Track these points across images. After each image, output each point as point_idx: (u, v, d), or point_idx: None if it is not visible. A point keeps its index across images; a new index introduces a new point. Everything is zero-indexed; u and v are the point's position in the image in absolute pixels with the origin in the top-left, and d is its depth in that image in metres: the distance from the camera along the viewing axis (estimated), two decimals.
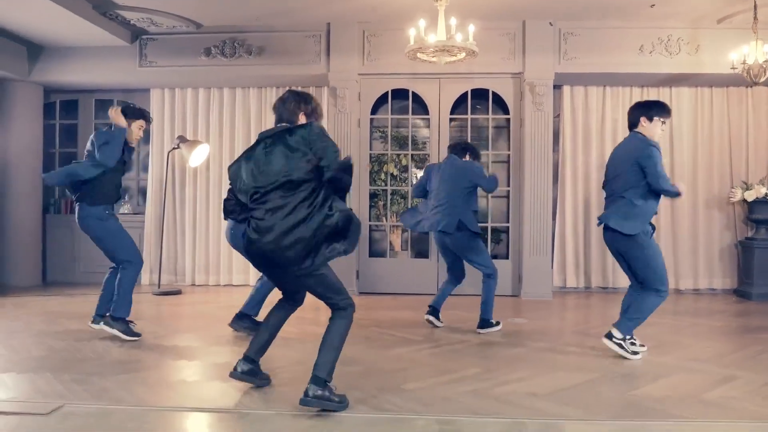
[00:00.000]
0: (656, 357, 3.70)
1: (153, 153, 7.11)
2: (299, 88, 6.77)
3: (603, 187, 3.97)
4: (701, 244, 6.75)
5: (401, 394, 2.86)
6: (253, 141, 3.48)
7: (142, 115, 4.24)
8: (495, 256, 6.64)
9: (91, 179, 3.99)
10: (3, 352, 3.66)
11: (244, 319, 4.33)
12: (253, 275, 6.53)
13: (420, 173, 6.62)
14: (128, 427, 2.42)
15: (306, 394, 2.58)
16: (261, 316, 4.89)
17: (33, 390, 2.88)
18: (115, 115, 4.08)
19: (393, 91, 6.50)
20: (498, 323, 4.58)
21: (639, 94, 6.79)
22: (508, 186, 6.57)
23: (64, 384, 2.95)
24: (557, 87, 6.56)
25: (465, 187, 4.49)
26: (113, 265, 4.25)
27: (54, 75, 6.74)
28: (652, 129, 3.73)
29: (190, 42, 6.49)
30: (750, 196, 6.35)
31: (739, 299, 6.33)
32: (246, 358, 2.91)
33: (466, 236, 4.48)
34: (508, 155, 6.62)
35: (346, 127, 6.35)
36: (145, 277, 7.03)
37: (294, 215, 2.62)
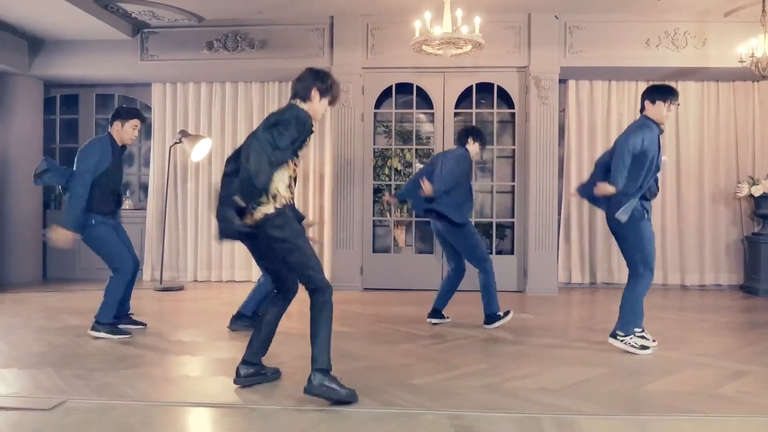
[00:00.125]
0: (666, 352, 3.65)
1: (154, 148, 7.05)
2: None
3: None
4: (707, 239, 6.69)
5: (409, 389, 2.81)
6: None
7: (136, 114, 4.16)
8: (500, 252, 6.60)
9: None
10: (4, 347, 3.61)
11: (242, 319, 4.27)
12: (255, 272, 6.48)
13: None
14: (131, 423, 2.37)
15: (310, 381, 2.59)
16: None
17: (34, 386, 2.83)
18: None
19: (397, 85, 6.43)
20: (507, 313, 4.47)
21: (644, 89, 6.70)
22: (513, 181, 6.51)
23: (66, 379, 2.90)
24: (562, 81, 6.49)
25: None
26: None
27: (54, 69, 6.68)
28: (657, 112, 3.70)
29: (191, 35, 6.43)
30: (757, 191, 6.30)
31: (745, 295, 6.28)
32: (245, 363, 2.87)
33: (450, 224, 4.41)
34: (513, 150, 6.56)
35: (350, 121, 6.29)
36: (147, 273, 6.98)
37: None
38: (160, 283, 6.47)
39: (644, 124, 3.69)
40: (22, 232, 6.72)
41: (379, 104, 6.55)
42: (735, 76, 6.53)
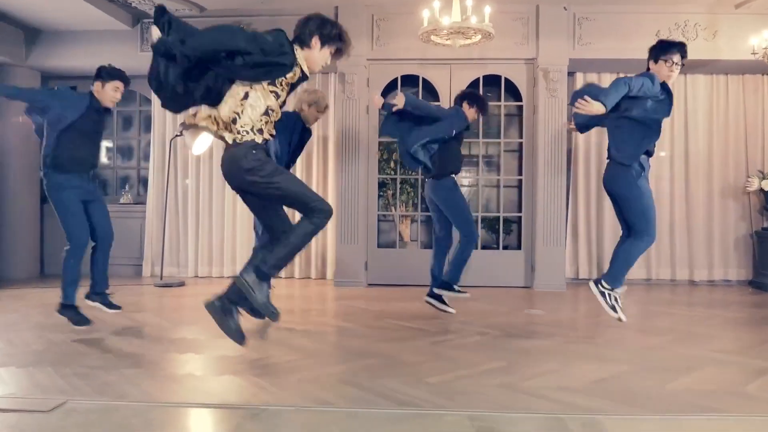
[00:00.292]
0: (683, 348, 3.54)
1: (154, 141, 6.92)
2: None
3: None
4: (716, 234, 6.60)
5: (424, 388, 2.69)
6: None
7: (119, 75, 3.99)
8: (506, 247, 6.49)
9: (54, 142, 3.81)
10: (1, 345, 3.49)
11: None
12: None
13: None
14: (133, 424, 2.25)
15: (240, 273, 2.67)
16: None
17: (33, 385, 2.70)
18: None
19: (403, 77, 6.31)
20: (463, 293, 4.44)
21: None
22: (520, 175, 6.40)
23: (65, 379, 2.78)
24: (570, 74, 6.38)
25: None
26: (93, 243, 4.08)
27: (52, 60, 6.54)
28: (659, 70, 3.62)
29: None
30: (767, 185, 6.21)
31: (754, 290, 6.19)
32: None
33: (438, 184, 4.39)
34: (520, 143, 6.44)
35: (355, 113, 6.16)
36: (147, 268, 6.87)
37: None
38: (161, 278, 6.36)
39: (647, 74, 3.57)
40: (20, 227, 6.59)
41: (384, 96, 6.40)
42: (745, 69, 6.44)
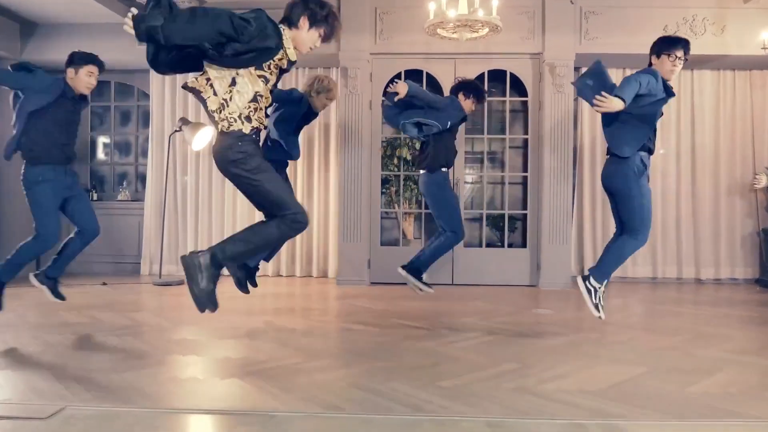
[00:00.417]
0: (699, 349, 3.45)
1: (153, 136, 6.79)
2: (307, 69, 6.57)
3: None
4: (723, 232, 6.53)
5: (438, 391, 2.59)
6: None
7: (92, 59, 3.84)
8: (510, 245, 6.40)
9: (23, 127, 3.70)
10: None
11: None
12: None
13: None
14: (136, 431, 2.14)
15: (194, 251, 2.65)
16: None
17: (30, 390, 2.59)
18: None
19: (406, 72, 6.20)
20: (429, 286, 4.36)
21: None
22: (525, 172, 6.31)
23: (64, 382, 2.66)
24: (575, 70, 6.27)
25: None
26: (77, 229, 3.98)
27: (48, 54, 6.40)
28: (662, 66, 3.52)
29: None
30: None
31: (762, 289, 6.12)
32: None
33: (428, 178, 4.30)
34: (524, 140, 6.35)
35: (358, 108, 6.05)
36: (145, 267, 6.75)
37: None
38: (159, 277, 6.24)
39: (650, 71, 3.48)
40: (15, 225, 6.46)
41: (385, 92, 6.30)
42: (752, 65, 6.36)
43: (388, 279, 6.13)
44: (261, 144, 4.40)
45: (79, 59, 3.81)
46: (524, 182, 6.42)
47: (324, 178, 6.65)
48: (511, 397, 2.52)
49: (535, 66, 6.12)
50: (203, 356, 3.23)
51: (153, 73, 6.74)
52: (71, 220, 3.98)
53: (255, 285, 4.65)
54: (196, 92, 2.71)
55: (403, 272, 4.40)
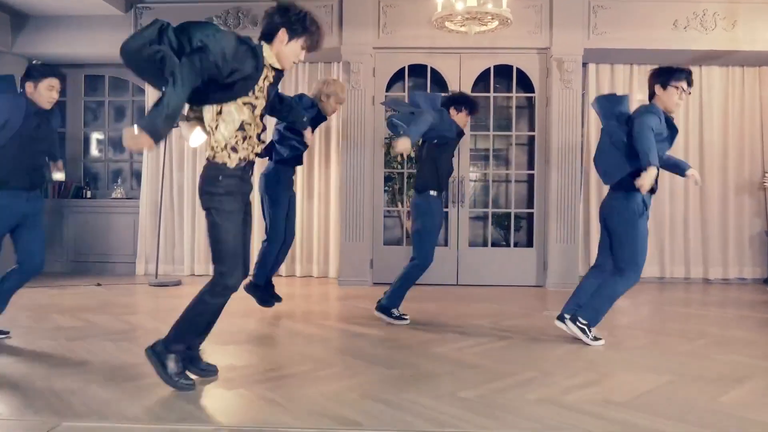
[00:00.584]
0: (723, 354, 3.32)
1: None
2: (308, 64, 6.39)
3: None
4: (731, 231, 6.41)
5: (459, 403, 2.44)
6: None
7: (52, 72, 3.43)
8: (515, 244, 6.26)
9: None
10: None
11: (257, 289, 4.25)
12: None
13: None
14: None
15: (152, 344, 2.59)
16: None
17: (23, 404, 2.42)
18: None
19: (410, 66, 6.04)
20: (402, 318, 4.10)
21: None
22: (530, 169, 6.17)
23: (58, 396, 2.49)
24: (584, 65, 6.13)
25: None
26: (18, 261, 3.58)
27: (40, 47, 6.20)
28: (668, 98, 3.35)
29: (189, 11, 5.95)
30: None
31: None
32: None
33: (418, 198, 4.05)
34: (529, 137, 6.21)
35: (360, 104, 5.88)
36: (141, 266, 6.56)
37: None
38: (155, 277, 6.06)
39: (653, 110, 3.32)
40: None
41: (389, 87, 6.14)
42: (762, 61, 6.24)
43: (391, 279, 5.91)
44: (270, 156, 4.28)
45: (37, 73, 3.41)
46: (529, 180, 6.28)
47: (325, 175, 6.48)
48: (537, 410, 2.37)
49: (542, 61, 5.97)
50: None
51: None
52: (15, 247, 3.56)
53: (279, 299, 4.53)
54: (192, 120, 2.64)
55: (377, 313, 4.17)
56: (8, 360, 3.08)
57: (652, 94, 3.44)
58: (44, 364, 3.00)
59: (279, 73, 2.60)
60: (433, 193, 4.03)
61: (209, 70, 2.33)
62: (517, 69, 6.01)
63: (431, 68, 6.02)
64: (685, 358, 3.24)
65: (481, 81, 6.12)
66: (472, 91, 6.03)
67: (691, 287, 6.16)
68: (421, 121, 3.71)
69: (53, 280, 5.91)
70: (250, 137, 2.56)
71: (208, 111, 2.53)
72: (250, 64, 2.41)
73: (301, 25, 2.49)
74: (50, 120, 3.57)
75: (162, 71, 2.35)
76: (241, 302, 4.03)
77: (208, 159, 2.57)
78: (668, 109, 3.39)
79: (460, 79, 6.01)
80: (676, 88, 3.35)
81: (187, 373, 2.63)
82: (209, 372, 2.77)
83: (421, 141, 4.12)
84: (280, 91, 3.18)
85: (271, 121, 4.18)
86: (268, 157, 4.30)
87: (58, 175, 3.77)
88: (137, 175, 6.94)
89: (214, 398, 2.55)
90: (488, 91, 6.10)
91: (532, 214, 6.12)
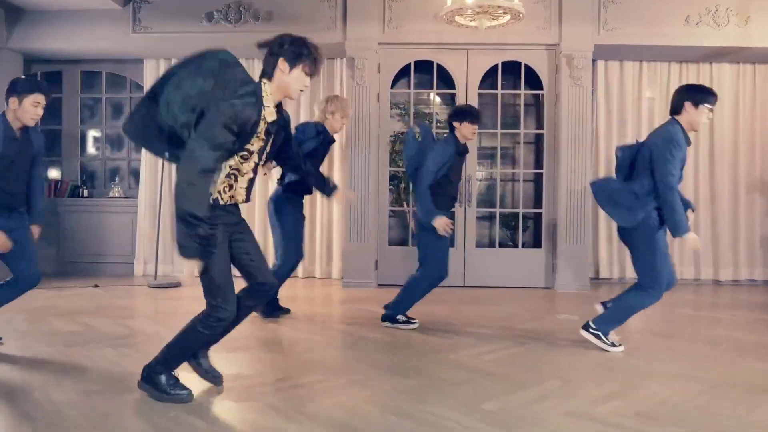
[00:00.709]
0: (748, 361, 3.21)
1: None
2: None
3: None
4: (742, 231, 6.30)
5: (481, 415, 2.31)
6: None
7: (38, 87, 3.19)
8: (523, 245, 6.13)
9: None
10: None
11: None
12: None
13: None
14: None
15: (141, 375, 2.50)
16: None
17: (19, 418, 2.27)
18: None
19: (416, 63, 5.89)
20: (409, 322, 4.00)
21: (677, 70, 6.32)
22: (539, 168, 6.03)
23: (56, 407, 2.35)
24: (593, 61, 6.00)
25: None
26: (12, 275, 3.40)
27: (36, 42, 6.04)
28: (697, 116, 3.24)
29: (189, 5, 5.82)
30: None
31: None
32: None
33: (423, 222, 3.94)
34: (537, 135, 6.07)
35: (365, 101, 5.73)
36: (139, 267, 6.41)
37: None
38: (155, 278, 5.91)
39: (676, 133, 3.22)
40: None
41: (394, 83, 6.00)
42: None
43: (396, 281, 5.82)
44: (281, 181, 4.19)
45: (22, 88, 3.17)
46: (537, 179, 6.15)
47: (328, 173, 6.33)
48: (566, 423, 2.24)
49: (551, 57, 5.83)
50: None
51: (147, 64, 6.41)
52: (5, 262, 3.36)
53: (286, 311, 4.41)
54: None
55: (385, 324, 4.05)
56: (3, 368, 2.93)
57: (678, 109, 3.30)
58: (42, 372, 2.85)
59: (279, 111, 2.45)
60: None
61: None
62: (525, 65, 5.88)
63: (438, 64, 5.88)
64: (710, 365, 3.12)
65: (489, 77, 5.98)
66: (479, 88, 5.91)
67: (702, 289, 6.04)
68: (425, 199, 3.83)
69: (49, 282, 5.73)
70: (238, 186, 2.44)
71: None
72: (252, 110, 2.30)
73: (298, 50, 2.37)
74: (32, 142, 3.32)
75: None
76: None
77: None
78: (693, 127, 3.30)
79: (467, 75, 5.87)
80: (709, 108, 3.25)
81: (182, 382, 2.49)
82: (211, 375, 2.64)
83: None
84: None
85: None
86: (278, 181, 4.29)
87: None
88: (135, 174, 6.78)
89: (224, 411, 2.40)
90: (495, 89, 5.96)
91: (540, 214, 5.99)
